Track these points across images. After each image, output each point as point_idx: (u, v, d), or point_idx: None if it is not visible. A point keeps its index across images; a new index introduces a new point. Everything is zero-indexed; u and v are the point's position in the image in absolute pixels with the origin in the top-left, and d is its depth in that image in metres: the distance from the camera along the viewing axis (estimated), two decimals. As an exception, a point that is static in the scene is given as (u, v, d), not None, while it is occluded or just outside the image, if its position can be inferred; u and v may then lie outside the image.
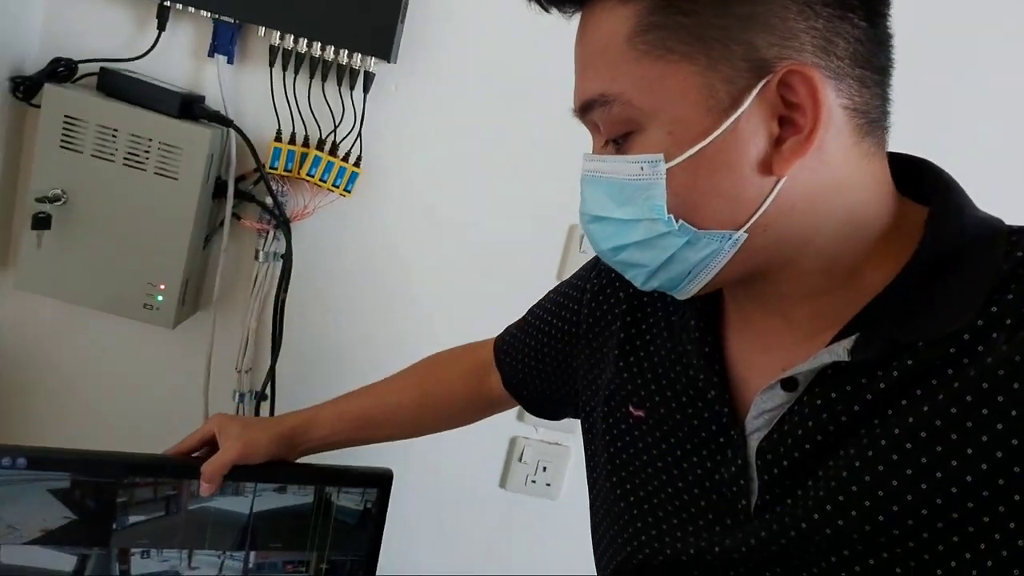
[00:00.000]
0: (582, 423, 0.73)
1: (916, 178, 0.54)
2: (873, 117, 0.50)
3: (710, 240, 0.50)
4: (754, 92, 0.47)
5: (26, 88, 1.01)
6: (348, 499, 0.95)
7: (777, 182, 0.48)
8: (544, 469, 1.23)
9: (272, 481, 0.93)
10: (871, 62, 0.49)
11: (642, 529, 0.61)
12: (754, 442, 0.53)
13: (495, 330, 1.16)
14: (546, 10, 0.55)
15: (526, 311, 0.84)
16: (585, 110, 0.53)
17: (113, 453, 0.90)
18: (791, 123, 0.47)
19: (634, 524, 0.62)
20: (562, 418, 0.84)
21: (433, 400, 0.92)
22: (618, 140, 0.52)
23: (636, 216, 0.51)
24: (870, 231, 0.50)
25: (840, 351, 0.48)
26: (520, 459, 1.22)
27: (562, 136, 1.09)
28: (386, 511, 0.96)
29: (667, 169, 0.49)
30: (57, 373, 1.15)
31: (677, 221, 0.50)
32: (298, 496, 0.94)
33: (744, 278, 0.53)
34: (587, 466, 0.71)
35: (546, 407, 0.83)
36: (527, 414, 1.18)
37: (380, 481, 0.96)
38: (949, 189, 0.52)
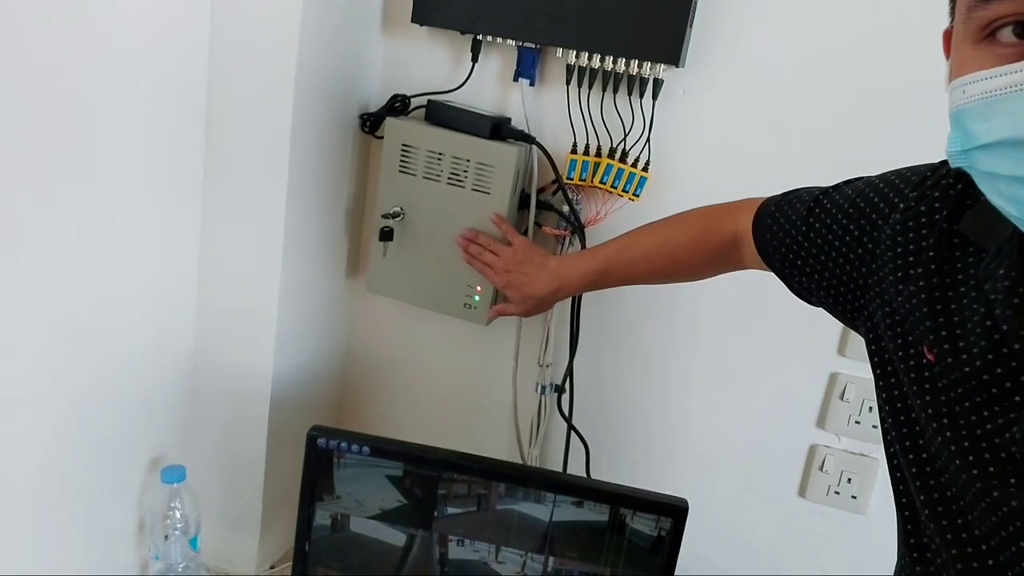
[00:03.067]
0: (869, 344, 0.65)
1: None
2: None
3: None
4: None
5: (371, 123, 1.14)
6: (642, 523, 0.93)
7: None
8: (848, 480, 1.08)
9: (572, 496, 0.93)
10: None
11: (920, 489, 0.57)
12: None
13: (788, 328, 1.06)
14: None
15: (805, 195, 0.75)
16: None
17: (437, 450, 0.97)
18: None
19: (914, 482, 0.58)
20: (817, 307, 0.75)
21: (692, 271, 0.95)
22: None
23: None
24: None
25: None
26: (821, 468, 1.09)
27: (853, 130, 0.97)
28: (680, 542, 0.92)
29: None
30: (394, 362, 1.29)
31: None
32: (594, 512, 0.94)
33: None
34: (879, 407, 0.64)
35: (804, 291, 0.75)
36: (829, 419, 1.06)
37: (675, 512, 0.92)
38: None
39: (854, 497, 1.09)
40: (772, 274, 1.05)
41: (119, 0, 0.85)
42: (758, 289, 1.06)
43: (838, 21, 0.95)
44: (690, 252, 0.91)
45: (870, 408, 1.05)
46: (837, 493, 1.09)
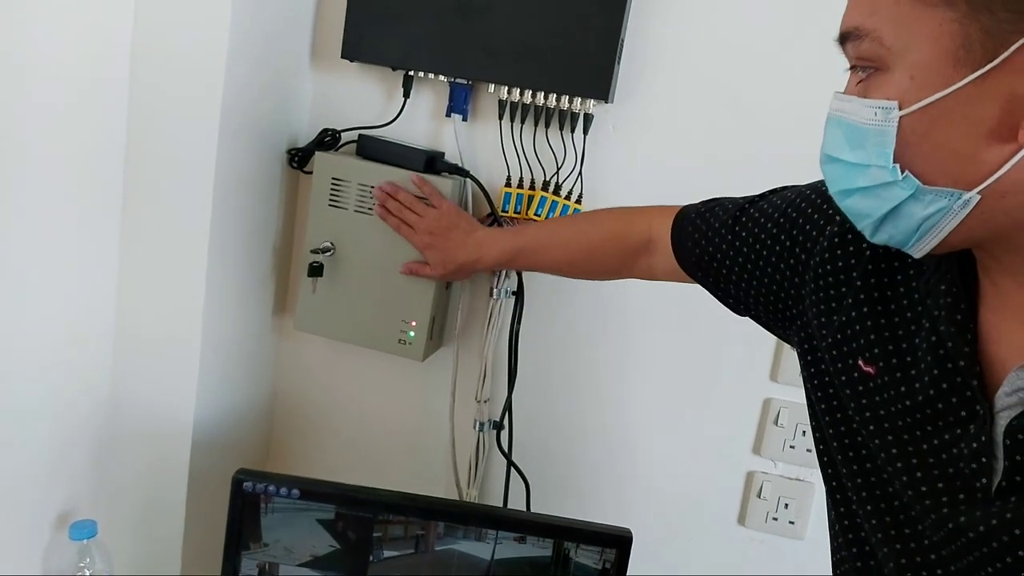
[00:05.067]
0: (803, 355, 0.66)
1: None
2: None
3: (937, 197, 0.46)
4: (1011, 48, 0.42)
5: (300, 158, 1.12)
6: (586, 557, 0.92)
7: (1021, 149, 0.43)
8: (786, 506, 1.10)
9: (513, 531, 0.92)
10: None
11: (865, 500, 0.57)
12: (1003, 420, 0.48)
13: (721, 355, 1.08)
14: None
15: (729, 204, 0.76)
16: (842, 41, 0.50)
17: (371, 490, 0.93)
18: None
19: (858, 493, 0.58)
20: (744, 316, 0.76)
21: (600, 268, 0.97)
22: (863, 78, 0.49)
23: (864, 161, 0.49)
24: None
25: None
26: (759, 495, 1.10)
27: (782, 161, 1.00)
28: (625, 574, 0.91)
29: (900, 117, 0.46)
30: (325, 403, 1.24)
31: (903, 172, 0.47)
32: (537, 547, 0.92)
33: (985, 243, 0.50)
34: (811, 414, 0.66)
35: (731, 300, 0.76)
36: (765, 445, 1.08)
37: (619, 543, 0.91)
38: None
39: (792, 523, 1.10)
40: (703, 302, 1.09)
41: (35, 26, 0.82)
42: (690, 317, 1.08)
43: (762, 54, 1.00)
44: (601, 248, 0.92)
45: (804, 432, 1.07)
46: (775, 519, 1.11)
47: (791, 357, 1.05)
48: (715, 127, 1.03)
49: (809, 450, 1.07)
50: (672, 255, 0.81)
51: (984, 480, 0.49)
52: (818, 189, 0.68)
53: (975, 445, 0.49)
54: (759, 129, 1.02)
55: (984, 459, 0.49)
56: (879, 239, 0.51)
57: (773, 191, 0.74)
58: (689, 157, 1.05)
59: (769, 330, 0.74)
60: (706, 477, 1.12)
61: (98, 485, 1.06)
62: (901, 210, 0.48)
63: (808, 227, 0.66)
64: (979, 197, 0.45)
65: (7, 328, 0.87)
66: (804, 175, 0.97)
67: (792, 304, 0.67)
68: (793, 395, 1.07)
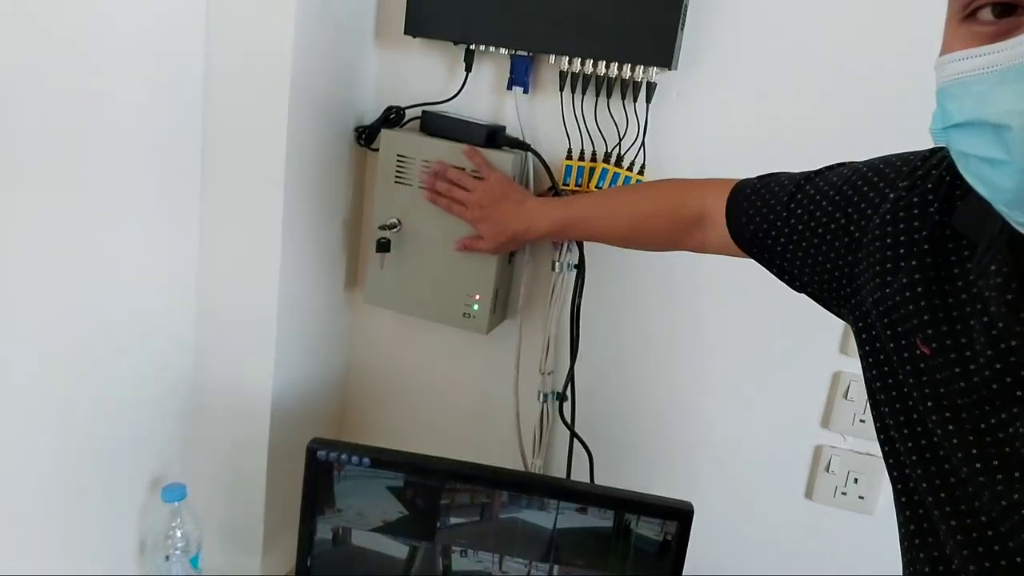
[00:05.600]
0: (859, 333, 0.65)
1: None
2: None
3: None
4: None
5: (366, 135, 1.15)
6: (647, 528, 0.94)
7: None
8: (855, 481, 1.08)
9: (575, 502, 0.94)
10: None
11: (923, 476, 0.57)
12: None
13: (789, 328, 1.06)
14: None
15: (785, 180, 0.75)
16: None
17: (438, 460, 0.97)
18: None
19: (915, 470, 0.58)
20: (801, 293, 0.75)
21: (651, 240, 0.96)
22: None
23: None
24: None
25: None
26: (827, 469, 1.09)
27: (849, 128, 0.97)
28: (686, 547, 0.92)
29: None
30: (395, 374, 1.29)
31: None
32: (598, 518, 0.94)
33: None
34: (868, 392, 0.64)
35: (787, 275, 0.76)
36: (833, 421, 1.06)
37: (680, 516, 0.92)
38: None
39: (861, 497, 1.09)
40: (770, 275, 1.07)
41: (115, 14, 0.86)
42: (758, 290, 1.07)
43: (831, 18, 0.96)
44: (652, 221, 0.92)
45: (875, 407, 1.05)
46: (844, 494, 1.09)
47: (863, 330, 1.02)
48: (783, 93, 1.00)
49: (881, 425, 1.05)
50: (726, 230, 0.80)
51: None
52: (874, 166, 0.66)
53: None
54: (827, 96, 0.98)
55: None
56: None
57: (829, 168, 0.72)
58: (755, 124, 1.02)
59: (825, 307, 0.73)
60: (773, 450, 1.11)
61: (187, 452, 1.13)
62: None
63: (863, 205, 0.64)
64: None
65: (100, 309, 0.93)
66: (872, 141, 0.94)
67: (847, 283, 0.66)
68: (865, 369, 1.04)
